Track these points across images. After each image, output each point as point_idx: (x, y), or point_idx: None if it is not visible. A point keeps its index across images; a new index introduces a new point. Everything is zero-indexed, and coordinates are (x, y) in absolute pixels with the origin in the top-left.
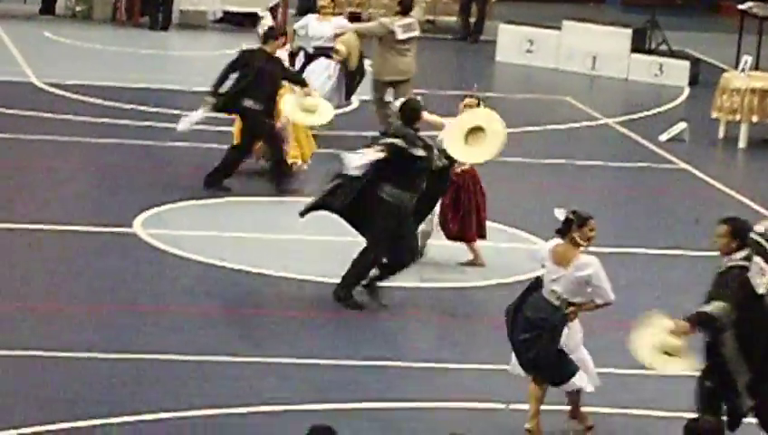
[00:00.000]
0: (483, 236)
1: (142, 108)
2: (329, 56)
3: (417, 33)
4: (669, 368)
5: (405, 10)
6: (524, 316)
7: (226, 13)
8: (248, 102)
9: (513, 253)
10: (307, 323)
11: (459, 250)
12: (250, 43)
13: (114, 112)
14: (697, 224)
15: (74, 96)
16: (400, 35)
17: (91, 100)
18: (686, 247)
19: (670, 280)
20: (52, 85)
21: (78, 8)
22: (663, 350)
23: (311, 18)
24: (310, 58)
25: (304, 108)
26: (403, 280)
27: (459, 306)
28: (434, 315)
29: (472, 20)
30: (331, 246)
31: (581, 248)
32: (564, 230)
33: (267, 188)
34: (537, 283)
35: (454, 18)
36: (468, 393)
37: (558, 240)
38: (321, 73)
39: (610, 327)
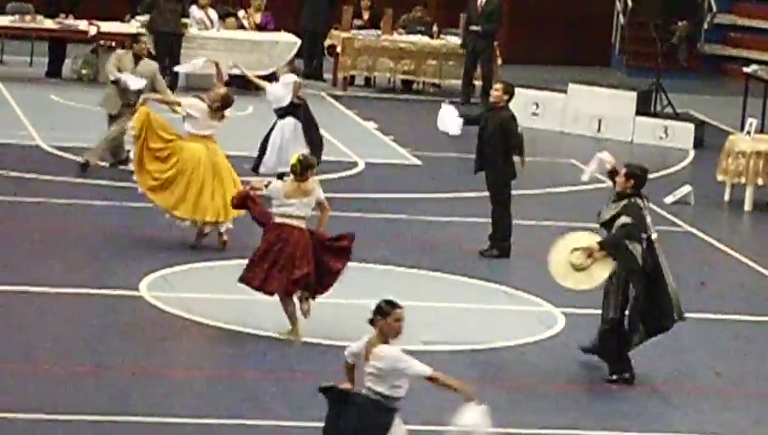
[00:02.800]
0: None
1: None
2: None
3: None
4: (580, 284)
5: None
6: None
7: (231, 76)
8: None
9: (518, 315)
10: (313, 387)
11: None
12: (257, 104)
13: (120, 175)
14: (703, 287)
15: (80, 159)
16: None
17: (97, 163)
18: (692, 310)
19: (677, 343)
20: (58, 148)
21: (84, 71)
22: (575, 267)
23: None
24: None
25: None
26: (404, 343)
27: (465, 369)
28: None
29: (477, 83)
30: (339, 308)
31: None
32: (372, 321)
33: None
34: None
35: (459, 81)
36: None
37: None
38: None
39: (616, 390)
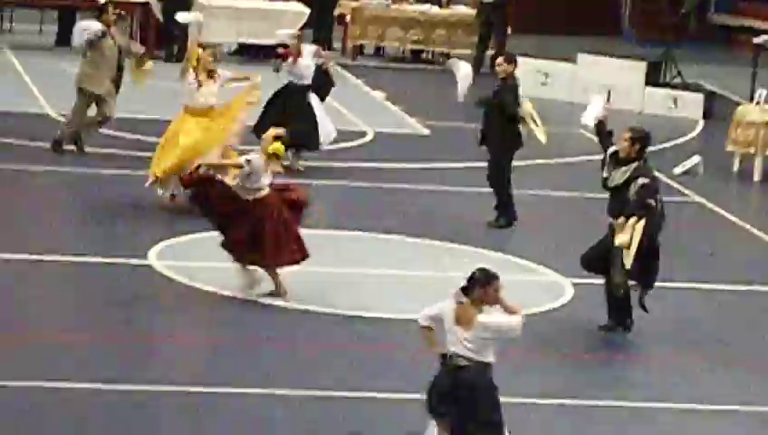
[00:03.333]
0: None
1: (157, 139)
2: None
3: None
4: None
5: None
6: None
7: (242, 45)
8: None
9: (526, 286)
10: (319, 355)
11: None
12: (266, 74)
13: (129, 144)
14: (712, 257)
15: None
16: None
17: (106, 132)
18: (701, 280)
19: (685, 313)
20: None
21: None
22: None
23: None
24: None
25: None
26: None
27: None
28: None
29: (489, 53)
30: (348, 277)
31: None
32: (468, 290)
33: None
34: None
35: (469, 51)
36: None
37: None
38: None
39: (623, 360)
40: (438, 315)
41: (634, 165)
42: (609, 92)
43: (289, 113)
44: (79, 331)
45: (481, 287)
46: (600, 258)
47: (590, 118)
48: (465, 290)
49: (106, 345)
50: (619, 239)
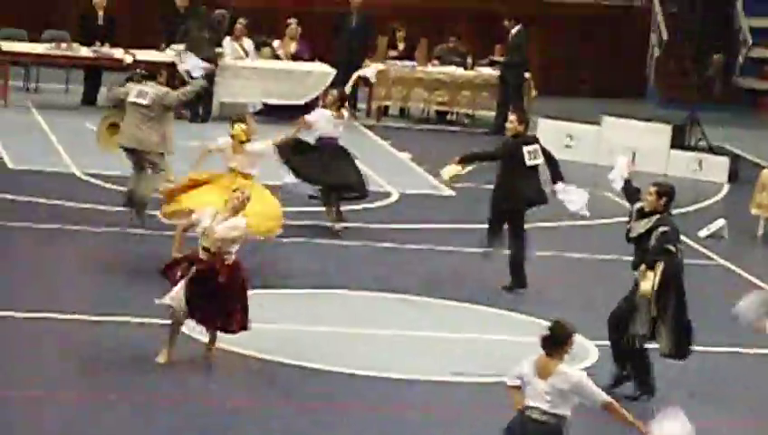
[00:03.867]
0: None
1: None
2: None
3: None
4: None
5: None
6: None
7: (266, 105)
8: None
9: None
10: (348, 417)
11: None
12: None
13: (152, 203)
14: (736, 320)
15: (114, 187)
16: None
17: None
18: (726, 344)
19: (709, 377)
20: (92, 176)
21: None
22: None
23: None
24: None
25: None
26: (430, 374)
27: (495, 401)
28: (463, 410)
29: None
30: (375, 339)
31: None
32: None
33: (301, 281)
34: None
35: (492, 113)
36: None
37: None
38: None
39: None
40: (522, 372)
41: (656, 217)
42: (634, 154)
43: (329, 164)
44: (97, 389)
45: (560, 344)
46: (626, 314)
47: (618, 180)
48: (544, 344)
49: (125, 403)
50: (643, 287)
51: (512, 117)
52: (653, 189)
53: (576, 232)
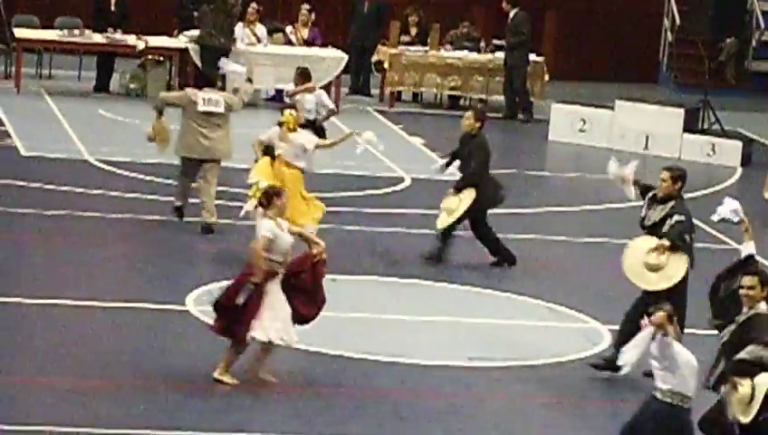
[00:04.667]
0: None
1: (194, 185)
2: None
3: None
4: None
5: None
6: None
7: (279, 91)
8: None
9: (564, 332)
10: (357, 401)
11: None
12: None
13: (166, 189)
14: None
15: (127, 173)
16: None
17: (144, 177)
18: None
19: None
20: (105, 162)
21: (132, 86)
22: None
23: None
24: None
25: None
26: (449, 359)
27: (512, 385)
28: (487, 396)
29: (517, 99)
30: (386, 324)
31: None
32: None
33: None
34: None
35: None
36: None
37: None
38: None
39: None
40: None
41: (671, 203)
42: (648, 137)
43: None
44: (117, 375)
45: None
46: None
47: (629, 192)
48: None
49: (144, 391)
50: (653, 258)
51: (468, 114)
52: (667, 175)
53: (589, 215)
